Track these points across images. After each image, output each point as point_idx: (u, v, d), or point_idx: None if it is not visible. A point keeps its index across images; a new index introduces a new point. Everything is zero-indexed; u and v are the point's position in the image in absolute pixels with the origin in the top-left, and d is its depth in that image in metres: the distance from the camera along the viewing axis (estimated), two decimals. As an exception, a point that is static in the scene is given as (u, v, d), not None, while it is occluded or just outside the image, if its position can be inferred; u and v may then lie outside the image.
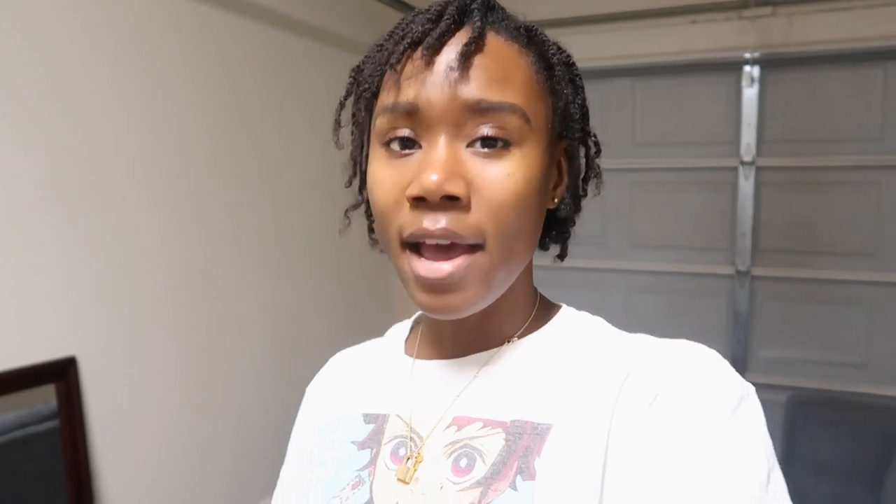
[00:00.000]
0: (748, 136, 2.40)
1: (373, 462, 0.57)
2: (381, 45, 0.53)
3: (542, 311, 0.60)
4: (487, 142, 0.49)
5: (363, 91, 0.54)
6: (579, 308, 0.62)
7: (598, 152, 0.61)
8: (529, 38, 0.54)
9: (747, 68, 2.35)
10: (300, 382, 0.76)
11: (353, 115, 0.56)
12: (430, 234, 0.48)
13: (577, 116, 0.57)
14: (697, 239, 2.54)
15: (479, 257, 0.49)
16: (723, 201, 2.50)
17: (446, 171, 0.47)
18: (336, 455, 0.60)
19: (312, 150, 2.00)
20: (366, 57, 0.56)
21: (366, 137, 0.57)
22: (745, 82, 2.37)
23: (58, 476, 1.35)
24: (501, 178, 0.49)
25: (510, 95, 0.49)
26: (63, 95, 1.34)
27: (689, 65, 2.45)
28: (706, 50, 2.39)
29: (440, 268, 0.49)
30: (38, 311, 1.31)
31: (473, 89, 0.48)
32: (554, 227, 0.63)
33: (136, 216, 1.51)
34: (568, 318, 0.60)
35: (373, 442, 0.59)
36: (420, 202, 0.48)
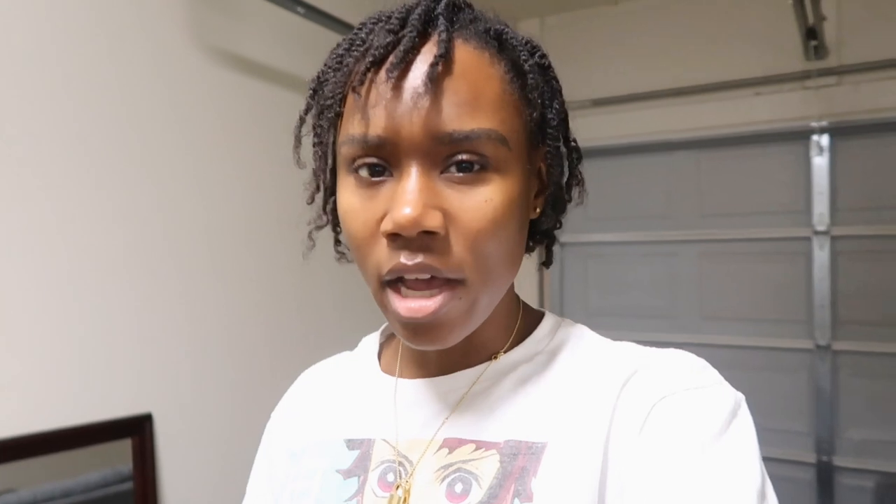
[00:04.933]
0: (821, 205, 2.34)
1: (360, 491, 0.54)
2: (341, 59, 0.50)
3: (526, 320, 0.59)
4: (463, 166, 0.46)
5: (324, 109, 0.50)
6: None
7: (580, 158, 0.58)
8: (501, 42, 0.50)
9: (815, 137, 2.32)
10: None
11: (316, 132, 0.53)
12: (408, 270, 0.46)
13: (556, 122, 0.53)
14: (772, 311, 2.45)
15: (460, 291, 0.47)
16: (797, 272, 2.41)
17: (421, 204, 0.45)
18: (320, 484, 0.57)
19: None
20: (325, 68, 0.52)
21: (329, 155, 0.54)
22: (813, 151, 2.33)
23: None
24: (479, 205, 0.46)
25: (483, 119, 0.46)
26: (146, 173, 1.46)
27: (755, 135, 2.44)
28: (771, 121, 2.38)
29: (422, 306, 0.46)
30: (118, 369, 1.38)
31: (444, 120, 0.45)
32: (539, 234, 0.60)
33: (203, 284, 1.60)
34: (553, 328, 0.58)
35: (359, 469, 0.56)
36: (396, 237, 0.46)
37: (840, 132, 2.32)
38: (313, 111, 0.53)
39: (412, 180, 0.46)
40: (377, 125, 0.46)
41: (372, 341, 0.66)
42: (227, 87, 1.64)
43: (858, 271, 2.32)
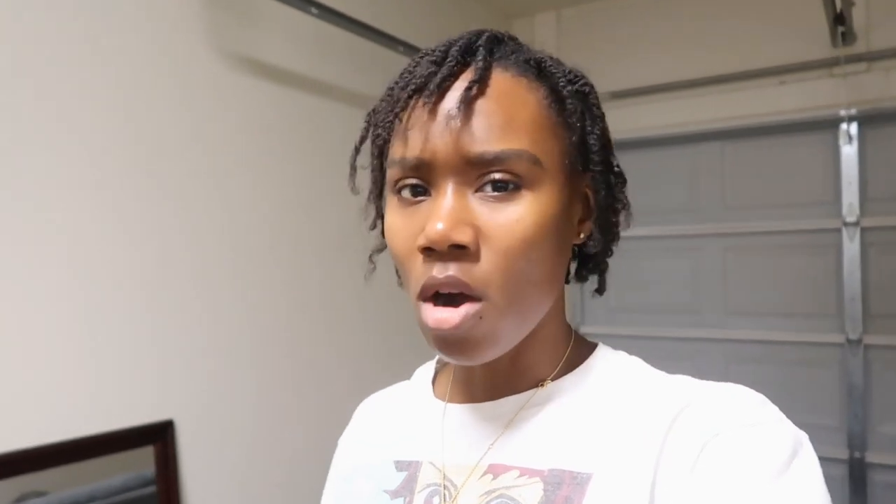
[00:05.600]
0: (850, 196, 2.28)
1: None
2: (392, 90, 0.53)
3: (577, 350, 0.58)
4: (497, 185, 0.48)
5: (375, 138, 0.54)
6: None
7: (623, 183, 0.58)
8: (540, 70, 0.52)
9: (844, 126, 2.26)
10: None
11: (371, 160, 0.56)
12: (439, 284, 0.47)
13: (597, 147, 0.53)
14: (801, 305, 2.40)
15: (485, 307, 0.48)
16: (827, 264, 2.36)
17: (452, 220, 0.47)
18: (367, 503, 0.59)
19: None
20: (379, 101, 0.55)
21: (380, 180, 0.56)
22: (842, 140, 2.27)
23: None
24: (510, 223, 0.47)
25: (514, 140, 0.48)
26: (165, 179, 1.46)
27: (780, 125, 2.38)
28: (797, 110, 2.32)
29: (447, 319, 0.47)
30: (140, 377, 1.38)
31: (475, 141, 0.47)
32: (589, 261, 0.60)
33: (224, 291, 1.59)
34: (604, 359, 0.57)
35: (406, 490, 0.57)
36: (430, 252, 0.47)
37: (870, 120, 2.25)
38: (368, 140, 0.56)
39: (447, 197, 0.48)
40: (415, 147, 0.49)
41: (427, 368, 0.68)
42: (244, 91, 1.63)
43: (890, 263, 2.26)
